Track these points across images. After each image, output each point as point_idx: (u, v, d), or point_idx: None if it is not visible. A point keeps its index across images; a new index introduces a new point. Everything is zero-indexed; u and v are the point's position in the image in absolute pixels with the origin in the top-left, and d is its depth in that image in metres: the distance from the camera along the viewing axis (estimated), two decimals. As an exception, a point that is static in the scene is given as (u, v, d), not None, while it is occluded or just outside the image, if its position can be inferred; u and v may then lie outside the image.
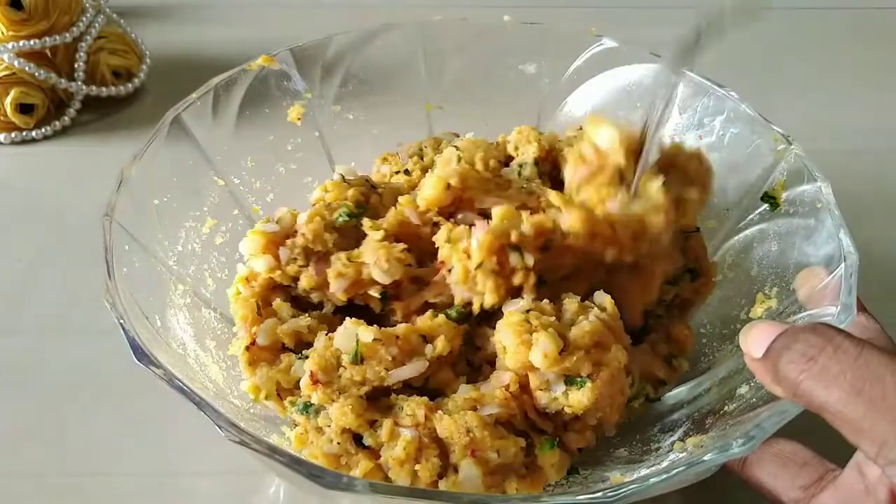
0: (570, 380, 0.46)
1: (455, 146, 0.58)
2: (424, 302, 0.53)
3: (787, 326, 0.38)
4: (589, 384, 0.46)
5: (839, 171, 0.78)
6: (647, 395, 0.53)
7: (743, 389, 0.48)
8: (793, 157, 0.57)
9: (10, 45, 0.84)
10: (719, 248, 0.61)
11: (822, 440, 0.42)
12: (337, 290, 0.52)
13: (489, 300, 0.49)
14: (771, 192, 0.57)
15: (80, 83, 0.89)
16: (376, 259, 0.52)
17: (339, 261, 0.53)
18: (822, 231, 0.51)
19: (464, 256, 0.49)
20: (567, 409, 0.47)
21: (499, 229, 0.49)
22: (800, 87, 0.97)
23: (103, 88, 0.91)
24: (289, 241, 0.54)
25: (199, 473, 0.56)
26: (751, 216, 0.59)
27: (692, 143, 0.66)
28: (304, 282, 0.54)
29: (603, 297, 0.51)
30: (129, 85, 0.93)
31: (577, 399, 0.46)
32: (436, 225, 0.54)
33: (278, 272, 0.54)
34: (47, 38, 0.86)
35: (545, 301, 0.50)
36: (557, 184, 0.58)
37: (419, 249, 0.54)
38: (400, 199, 0.56)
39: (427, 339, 0.50)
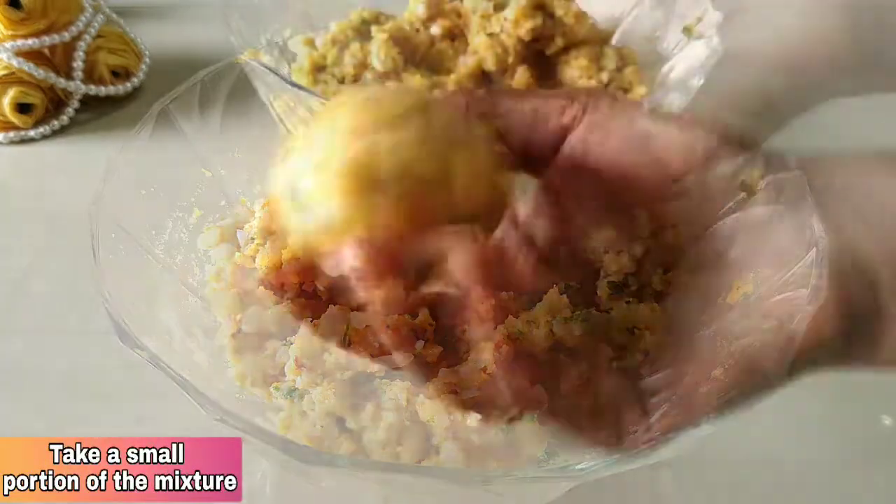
0: None
1: None
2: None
3: None
4: None
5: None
6: None
7: (717, 372, 0.49)
8: (770, 145, 0.57)
9: (8, 45, 0.85)
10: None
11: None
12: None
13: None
14: (748, 180, 0.58)
15: (78, 82, 0.90)
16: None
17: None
18: (795, 217, 0.52)
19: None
20: None
21: None
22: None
23: (102, 88, 0.92)
24: (246, 225, 0.57)
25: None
26: (728, 205, 0.59)
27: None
28: (262, 259, 0.55)
29: None
30: (128, 84, 0.94)
31: None
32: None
33: (238, 254, 0.56)
34: (46, 38, 0.86)
35: None
36: None
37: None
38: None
39: (419, 335, 0.50)
